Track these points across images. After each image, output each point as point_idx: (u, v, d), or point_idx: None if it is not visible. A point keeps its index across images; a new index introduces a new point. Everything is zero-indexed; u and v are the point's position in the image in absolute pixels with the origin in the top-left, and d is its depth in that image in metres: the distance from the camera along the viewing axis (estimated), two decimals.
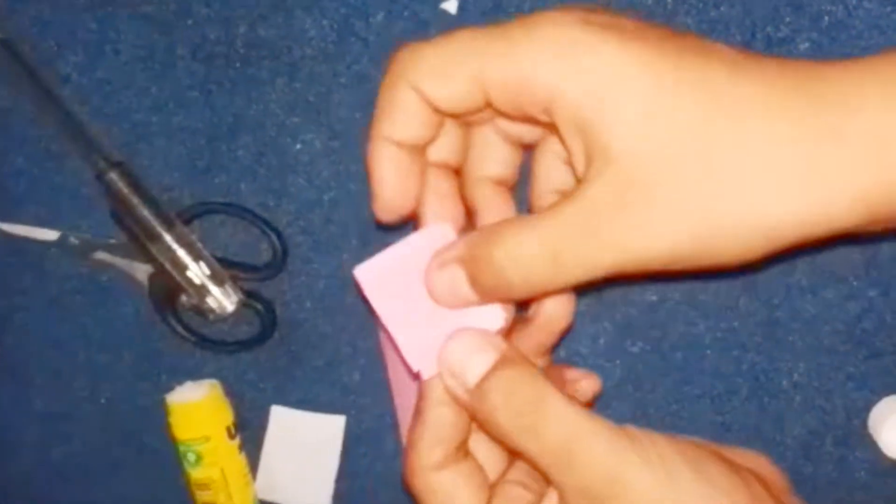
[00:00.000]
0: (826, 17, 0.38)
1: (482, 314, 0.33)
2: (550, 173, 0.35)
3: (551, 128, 0.30)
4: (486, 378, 0.31)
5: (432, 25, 0.41)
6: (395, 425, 0.46)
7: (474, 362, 0.32)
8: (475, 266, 0.31)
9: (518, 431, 0.31)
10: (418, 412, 0.33)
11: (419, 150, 0.33)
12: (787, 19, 0.39)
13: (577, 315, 0.43)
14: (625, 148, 0.28)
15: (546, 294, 0.31)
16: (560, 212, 0.29)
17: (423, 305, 0.33)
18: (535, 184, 0.36)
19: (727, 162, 0.27)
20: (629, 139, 0.28)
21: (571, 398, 0.31)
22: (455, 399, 0.32)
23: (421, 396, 0.33)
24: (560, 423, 0.30)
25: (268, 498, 0.48)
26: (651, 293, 0.43)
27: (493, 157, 0.35)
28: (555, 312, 0.36)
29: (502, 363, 0.32)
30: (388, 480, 0.47)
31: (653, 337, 0.43)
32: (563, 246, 0.29)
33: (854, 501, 0.44)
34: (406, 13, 0.41)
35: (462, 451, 0.33)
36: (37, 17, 0.44)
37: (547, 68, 0.28)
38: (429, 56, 0.31)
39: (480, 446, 0.34)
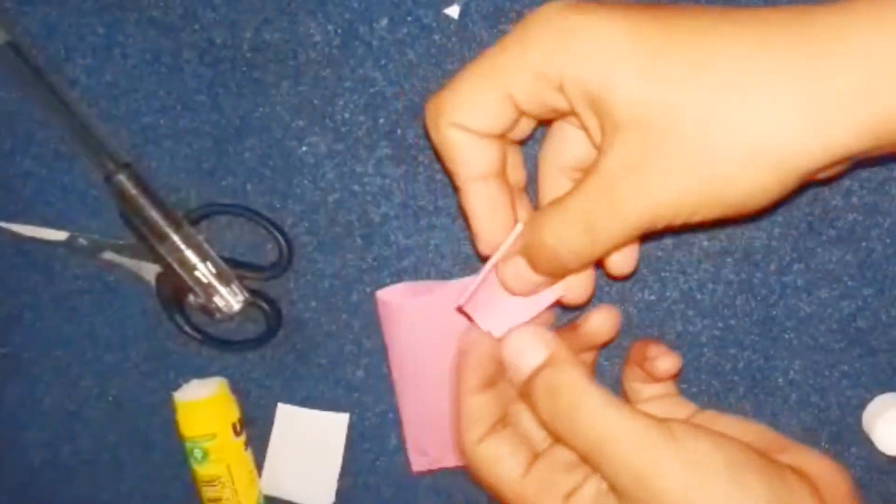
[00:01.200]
0: None
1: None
2: (561, 153, 0.37)
3: (573, 113, 0.32)
4: (533, 375, 0.35)
5: (435, 30, 0.42)
6: (398, 423, 0.46)
7: (526, 358, 0.35)
8: (531, 253, 0.34)
9: (558, 429, 0.34)
10: (456, 400, 0.37)
11: (502, 174, 0.35)
12: None
13: (578, 314, 0.44)
14: (630, 115, 0.29)
15: (599, 257, 0.34)
16: (583, 187, 0.31)
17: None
18: (548, 165, 0.38)
19: (724, 106, 0.28)
20: (633, 107, 0.29)
21: (612, 398, 0.33)
22: (492, 382, 0.36)
23: (457, 387, 0.37)
24: (595, 423, 0.33)
25: (273, 494, 0.49)
26: (649, 293, 0.43)
27: (564, 143, 0.37)
28: (599, 326, 0.38)
29: (549, 362, 0.35)
30: (391, 476, 0.47)
31: (651, 335, 0.43)
32: (592, 217, 0.31)
33: None
34: (409, 18, 0.42)
35: (501, 423, 0.36)
36: (45, 21, 0.45)
37: (552, 60, 0.31)
38: (452, 97, 0.33)
39: (524, 417, 0.37)
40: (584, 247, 0.32)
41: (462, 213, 0.36)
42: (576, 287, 0.37)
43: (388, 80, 0.43)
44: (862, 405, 0.43)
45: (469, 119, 0.33)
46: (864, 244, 0.41)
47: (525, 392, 0.36)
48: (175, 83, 0.44)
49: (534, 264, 0.35)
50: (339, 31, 0.42)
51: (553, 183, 0.37)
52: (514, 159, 0.37)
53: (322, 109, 0.43)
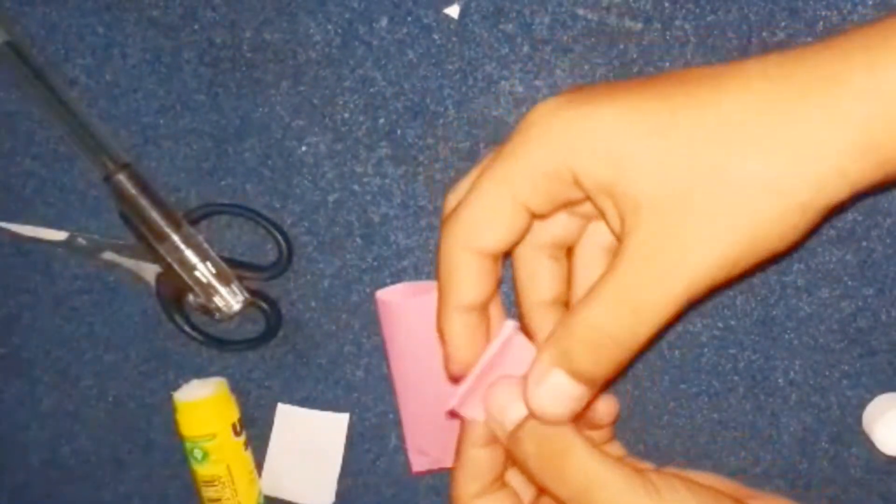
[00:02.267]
0: (821, 22, 0.39)
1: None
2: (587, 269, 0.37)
3: (587, 210, 0.33)
4: (520, 426, 0.34)
5: (435, 30, 0.42)
6: (398, 423, 0.46)
7: (512, 410, 0.35)
8: (569, 360, 0.32)
9: (545, 476, 0.34)
10: (458, 452, 0.37)
11: (485, 307, 0.35)
12: (783, 24, 0.39)
13: None
14: (650, 195, 0.30)
15: (644, 343, 0.32)
16: (618, 270, 0.31)
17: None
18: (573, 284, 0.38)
19: (741, 160, 0.29)
20: (651, 187, 0.30)
21: (594, 447, 0.34)
22: (495, 439, 0.36)
23: (460, 438, 0.37)
24: (581, 472, 0.33)
25: (273, 494, 0.49)
26: None
27: (542, 279, 0.38)
28: (603, 416, 0.39)
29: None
30: (391, 477, 0.47)
31: None
32: (636, 296, 0.30)
33: (849, 498, 0.44)
34: (409, 18, 0.42)
35: (499, 482, 0.37)
36: (45, 21, 0.45)
37: (561, 159, 0.31)
38: (468, 217, 0.33)
39: (516, 477, 0.38)
40: (631, 330, 0.31)
41: (439, 335, 0.36)
42: (600, 408, 0.38)
43: (388, 80, 0.43)
44: (862, 405, 0.43)
45: (485, 240, 0.33)
46: (864, 244, 0.41)
47: (512, 443, 0.35)
48: (175, 83, 0.44)
49: (575, 369, 0.32)
50: (339, 31, 0.42)
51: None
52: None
53: (322, 109, 0.44)
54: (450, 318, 0.35)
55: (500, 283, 0.35)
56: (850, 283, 0.41)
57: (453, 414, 0.36)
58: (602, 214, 0.32)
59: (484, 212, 0.33)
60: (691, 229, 0.30)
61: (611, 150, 0.30)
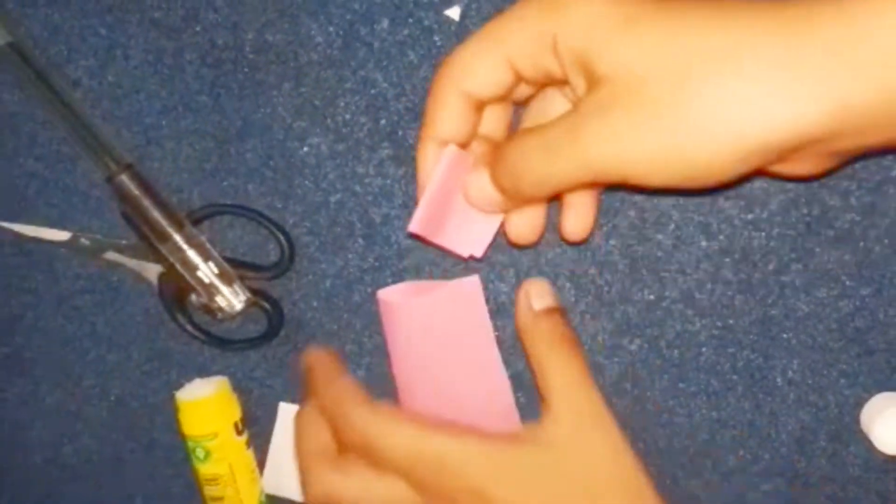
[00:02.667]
0: None
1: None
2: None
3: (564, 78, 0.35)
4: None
5: (436, 31, 0.42)
6: None
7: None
8: (495, 167, 0.37)
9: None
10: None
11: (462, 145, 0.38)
12: None
13: (578, 314, 0.44)
14: (608, 70, 0.32)
15: (552, 191, 0.35)
16: (556, 119, 0.34)
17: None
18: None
19: (695, 75, 0.30)
20: (612, 64, 0.32)
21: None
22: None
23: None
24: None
25: (274, 493, 0.49)
26: (649, 292, 0.43)
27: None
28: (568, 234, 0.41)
29: None
30: None
31: (650, 335, 0.44)
32: (556, 144, 0.33)
33: (847, 496, 0.44)
34: (410, 20, 0.42)
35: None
36: (47, 22, 0.45)
37: (546, 23, 0.33)
38: (461, 59, 0.36)
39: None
40: (542, 170, 0.34)
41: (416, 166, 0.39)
42: (522, 224, 0.40)
43: (389, 81, 0.43)
44: (860, 404, 0.43)
45: (471, 83, 0.36)
46: (862, 244, 0.41)
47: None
48: (177, 84, 0.45)
49: (495, 177, 0.37)
50: (341, 32, 0.43)
51: None
52: (505, 113, 0.40)
53: (323, 110, 0.44)
54: (425, 147, 0.38)
55: (475, 131, 0.38)
56: (848, 282, 0.42)
57: (414, 236, 0.40)
58: (573, 89, 0.34)
59: (474, 57, 0.36)
60: (626, 115, 0.31)
61: (590, 24, 0.32)
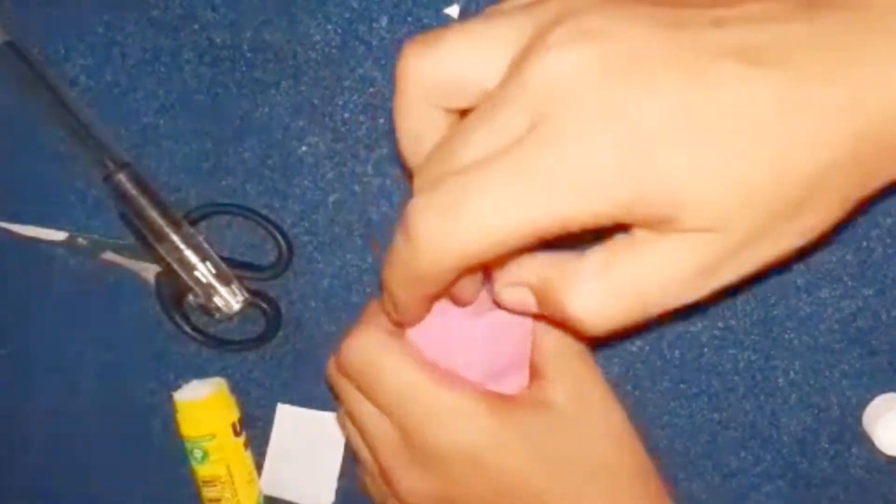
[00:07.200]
0: None
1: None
2: None
3: None
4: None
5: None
6: None
7: None
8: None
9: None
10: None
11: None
12: None
13: None
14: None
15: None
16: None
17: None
18: None
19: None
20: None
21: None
22: None
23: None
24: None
25: (273, 494, 0.49)
26: None
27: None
28: None
29: None
30: None
31: (651, 336, 0.44)
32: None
33: (849, 498, 0.44)
34: (409, 18, 0.42)
35: None
36: (45, 21, 0.45)
37: None
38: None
39: None
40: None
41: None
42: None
43: (388, 79, 0.43)
44: (862, 405, 0.43)
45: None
46: (864, 244, 0.41)
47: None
48: (175, 83, 0.44)
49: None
50: (339, 30, 0.43)
51: None
52: None
53: (322, 109, 0.44)
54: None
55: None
56: (850, 283, 0.42)
57: None
58: None
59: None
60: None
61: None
